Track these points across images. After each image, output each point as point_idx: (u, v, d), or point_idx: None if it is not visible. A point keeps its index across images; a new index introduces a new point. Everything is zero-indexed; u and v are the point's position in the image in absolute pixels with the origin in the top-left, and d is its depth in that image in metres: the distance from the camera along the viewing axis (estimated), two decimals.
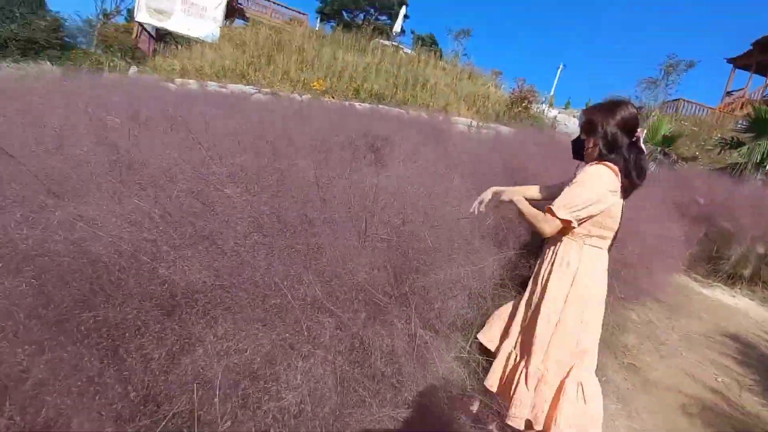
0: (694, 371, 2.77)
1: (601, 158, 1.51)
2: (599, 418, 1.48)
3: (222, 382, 1.07)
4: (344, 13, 28.79)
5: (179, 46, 11.61)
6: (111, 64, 9.39)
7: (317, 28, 14.91)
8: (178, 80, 9.63)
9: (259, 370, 1.15)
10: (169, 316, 1.16)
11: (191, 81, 9.50)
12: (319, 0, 29.36)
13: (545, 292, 1.57)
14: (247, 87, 9.49)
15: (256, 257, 1.29)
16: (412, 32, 26.69)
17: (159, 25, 13.01)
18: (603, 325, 1.61)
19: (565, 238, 1.58)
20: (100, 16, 11.73)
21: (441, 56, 13.62)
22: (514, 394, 1.55)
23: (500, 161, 2.82)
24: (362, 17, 27.44)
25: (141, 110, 2.82)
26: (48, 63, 10.69)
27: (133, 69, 11.22)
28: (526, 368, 1.55)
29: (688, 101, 14.44)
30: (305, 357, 1.24)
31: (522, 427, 1.52)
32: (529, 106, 11.28)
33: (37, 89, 2.98)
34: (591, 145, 1.56)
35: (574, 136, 1.71)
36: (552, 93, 19.71)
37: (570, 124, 13.05)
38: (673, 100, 14.31)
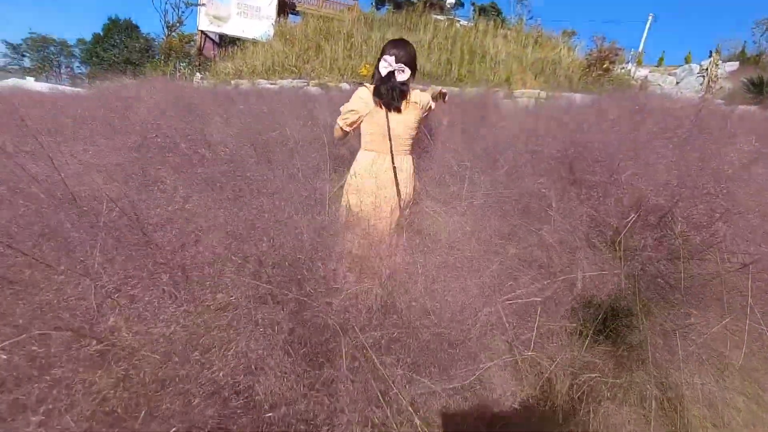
0: None
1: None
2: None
3: None
4: None
5: (236, 49, 11.98)
6: (173, 72, 9.93)
7: (370, 12, 14.41)
8: (233, 81, 9.88)
9: None
10: None
11: (244, 81, 9.67)
12: None
13: None
14: (296, 80, 9.39)
15: None
16: (472, 4, 24.84)
17: (218, 30, 13.59)
18: None
19: None
20: (165, 30, 12.56)
21: (503, 24, 12.26)
22: None
23: (558, 144, 2.04)
24: None
25: None
26: (128, 78, 11.77)
27: (198, 75, 11.85)
28: None
29: None
30: None
31: None
32: (610, 67, 9.60)
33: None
34: None
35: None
36: (640, 49, 16.91)
37: (666, 83, 10.96)
38: None
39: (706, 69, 8.01)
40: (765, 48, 11.65)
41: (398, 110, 1.93)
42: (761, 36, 11.84)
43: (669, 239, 1.43)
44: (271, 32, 12.40)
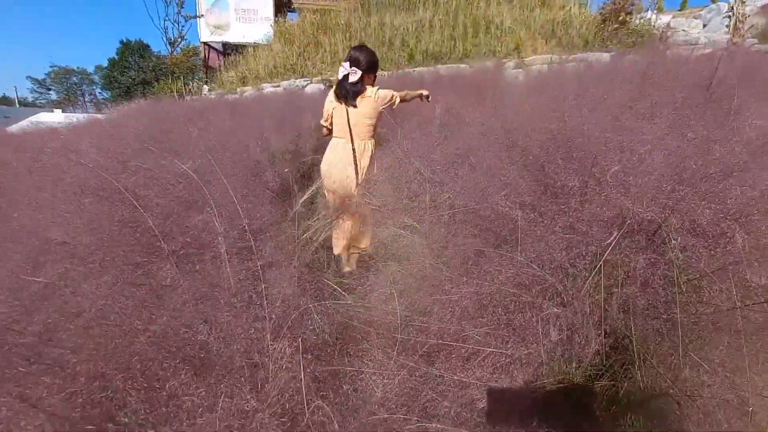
0: None
1: None
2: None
3: None
4: None
5: (239, 56, 12.03)
6: (179, 88, 10.10)
7: None
8: (239, 89, 9.93)
9: None
10: None
11: (248, 87, 9.70)
12: None
13: None
14: (299, 80, 9.31)
15: None
16: None
17: (219, 39, 13.68)
18: None
19: None
20: (168, 47, 12.76)
21: None
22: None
23: (543, 134, 1.76)
24: None
25: None
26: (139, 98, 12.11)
27: (206, 88, 12.02)
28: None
29: None
30: None
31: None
32: (627, 19, 8.90)
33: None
34: None
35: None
36: None
37: (692, 28, 10.12)
38: None
39: (732, 8, 7.21)
40: None
41: (354, 105, 2.36)
42: None
43: (665, 258, 1.16)
44: (271, 33, 12.34)
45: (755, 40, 6.75)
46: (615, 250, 1.14)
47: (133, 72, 28.93)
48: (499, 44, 9.26)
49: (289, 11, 14.54)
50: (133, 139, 2.80)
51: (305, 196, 2.08)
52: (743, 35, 6.65)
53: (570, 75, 3.39)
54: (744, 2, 6.98)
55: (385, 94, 2.38)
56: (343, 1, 13.44)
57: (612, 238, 1.14)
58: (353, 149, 2.36)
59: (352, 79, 2.30)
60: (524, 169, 1.52)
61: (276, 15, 13.22)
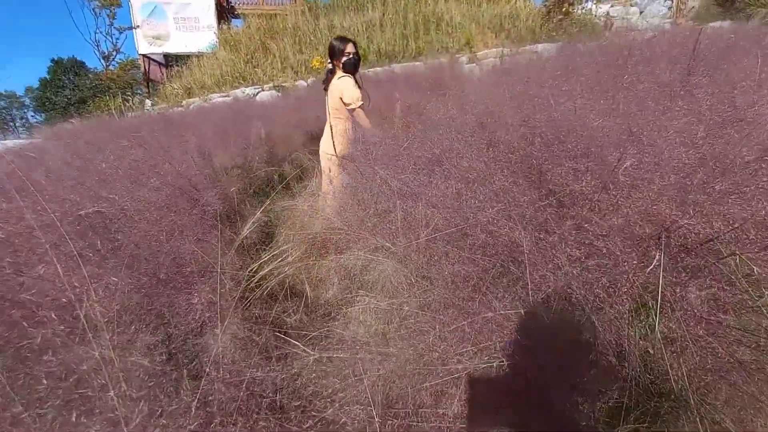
0: None
1: None
2: None
3: None
4: None
5: (183, 67, 11.34)
6: (117, 105, 9.33)
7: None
8: (185, 101, 9.32)
9: None
10: None
11: (195, 99, 9.12)
12: None
13: None
14: (249, 88, 8.86)
15: None
16: None
17: (160, 50, 12.87)
18: None
19: None
20: (102, 62, 11.80)
21: None
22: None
23: (520, 129, 1.54)
24: None
25: None
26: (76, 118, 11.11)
27: (148, 102, 11.22)
28: None
29: None
30: None
31: None
32: (570, 10, 9.16)
33: None
34: None
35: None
36: None
37: (630, 15, 10.59)
38: None
39: None
40: None
41: (325, 89, 2.73)
42: None
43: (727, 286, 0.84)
44: (216, 41, 11.72)
45: (692, 23, 7.11)
46: (653, 274, 0.91)
47: (69, 91, 26.85)
48: (451, 40, 9.25)
49: (234, 17, 13.92)
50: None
51: (252, 222, 1.71)
52: (686, 16, 6.99)
53: (534, 64, 3.27)
54: None
55: (340, 89, 2.55)
56: (290, 4, 13.04)
57: (654, 261, 0.91)
58: (330, 125, 2.59)
59: (327, 68, 2.75)
60: (515, 172, 1.28)
61: (219, 22, 12.59)
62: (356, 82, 2.56)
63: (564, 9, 9.12)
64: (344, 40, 2.59)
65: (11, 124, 38.89)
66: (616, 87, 1.56)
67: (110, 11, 11.58)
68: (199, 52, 11.88)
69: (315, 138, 3.11)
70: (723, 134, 1.13)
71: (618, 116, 1.30)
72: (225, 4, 13.95)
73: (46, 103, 28.88)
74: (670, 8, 9.88)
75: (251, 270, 1.58)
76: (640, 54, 1.87)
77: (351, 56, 2.56)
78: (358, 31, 9.54)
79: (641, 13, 11.26)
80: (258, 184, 2.86)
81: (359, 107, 2.51)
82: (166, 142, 2.64)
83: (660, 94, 1.45)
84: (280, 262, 1.52)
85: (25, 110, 39.32)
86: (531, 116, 1.45)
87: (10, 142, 8.30)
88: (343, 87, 2.51)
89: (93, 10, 11.33)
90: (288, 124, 3.74)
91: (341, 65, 2.56)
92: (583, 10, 10.03)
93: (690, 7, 7.37)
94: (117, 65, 11.85)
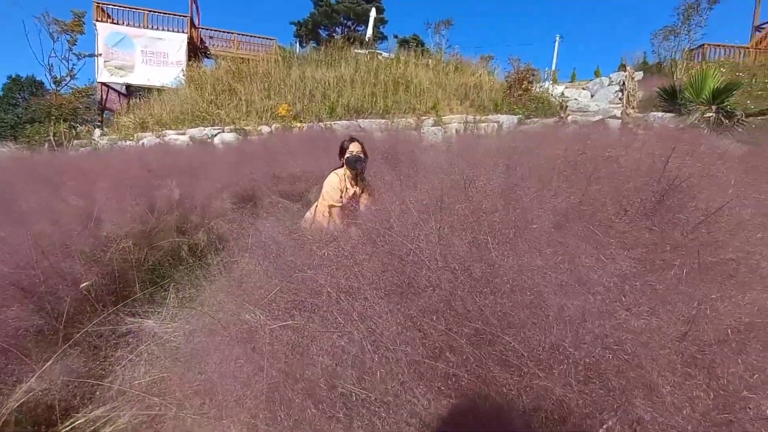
0: None
1: None
2: None
3: None
4: (321, 31, 27.94)
5: (142, 99, 10.87)
6: (57, 132, 8.60)
7: (289, 49, 13.93)
8: (137, 135, 8.76)
9: None
10: None
11: (147, 134, 8.60)
12: (293, 24, 28.75)
13: None
14: (209, 128, 8.50)
15: None
16: (395, 36, 25.56)
17: (121, 81, 12.39)
18: None
19: None
20: (52, 86, 11.10)
21: (423, 53, 12.33)
22: None
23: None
24: (340, 32, 26.49)
25: None
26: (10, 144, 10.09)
27: (97, 132, 10.50)
28: None
29: (714, 45, 12.46)
30: None
31: None
32: (529, 87, 9.83)
33: None
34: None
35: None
36: (553, 68, 18.19)
37: (582, 98, 11.53)
38: (696, 48, 12.41)
39: (622, 83, 8.36)
40: (664, 57, 12.68)
41: None
42: (659, 45, 12.93)
43: None
44: (183, 78, 11.44)
45: (638, 112, 7.77)
46: None
47: (21, 110, 25.17)
48: (419, 102, 9.54)
49: (206, 58, 13.86)
50: None
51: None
52: (634, 106, 7.64)
53: (492, 148, 3.15)
54: (633, 78, 8.08)
55: (325, 182, 2.69)
56: (264, 53, 13.20)
57: None
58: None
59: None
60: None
61: (190, 59, 12.43)
62: (355, 176, 2.72)
63: (524, 86, 9.77)
64: (352, 140, 2.77)
65: None
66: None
67: (71, 37, 11.09)
68: (162, 86, 11.51)
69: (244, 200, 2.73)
70: None
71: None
72: (199, 45, 13.93)
73: None
74: (615, 93, 10.88)
75: None
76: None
77: (353, 154, 2.70)
78: (329, 84, 9.64)
79: (592, 96, 12.35)
80: (158, 257, 2.35)
81: (333, 205, 2.58)
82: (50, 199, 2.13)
83: None
84: None
85: None
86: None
87: None
88: (326, 182, 2.68)
89: (51, 34, 10.82)
90: (219, 180, 3.36)
91: (344, 161, 2.72)
92: (541, 89, 10.82)
93: (638, 98, 8.09)
94: (71, 90, 11.15)
